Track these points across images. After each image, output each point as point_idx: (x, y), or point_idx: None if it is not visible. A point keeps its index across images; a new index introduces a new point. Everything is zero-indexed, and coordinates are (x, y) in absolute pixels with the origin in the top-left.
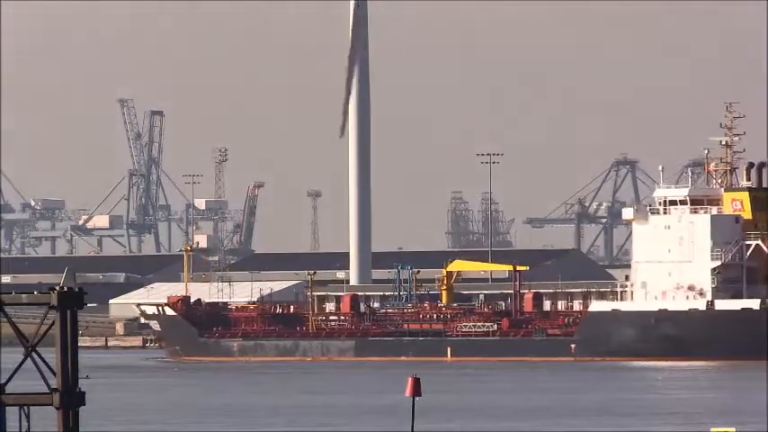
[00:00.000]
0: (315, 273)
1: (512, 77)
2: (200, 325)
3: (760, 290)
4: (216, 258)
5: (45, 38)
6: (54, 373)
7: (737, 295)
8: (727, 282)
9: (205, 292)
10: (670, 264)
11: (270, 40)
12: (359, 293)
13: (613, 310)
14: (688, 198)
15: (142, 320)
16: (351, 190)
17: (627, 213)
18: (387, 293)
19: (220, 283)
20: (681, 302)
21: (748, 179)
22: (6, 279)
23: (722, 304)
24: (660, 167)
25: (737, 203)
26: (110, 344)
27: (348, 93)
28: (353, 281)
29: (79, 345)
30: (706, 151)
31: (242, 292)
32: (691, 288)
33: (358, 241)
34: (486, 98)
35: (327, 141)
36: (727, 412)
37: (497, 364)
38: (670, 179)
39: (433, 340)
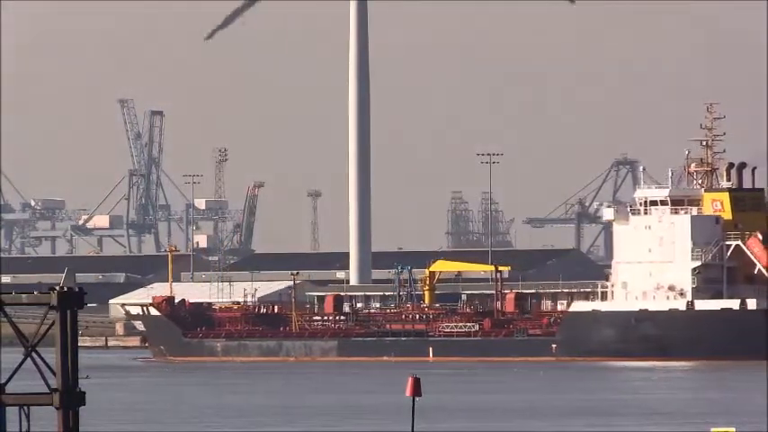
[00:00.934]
0: (298, 273)
1: (512, 77)
2: (185, 325)
3: (740, 290)
4: (216, 258)
5: (45, 38)
6: (54, 373)
7: (718, 295)
8: (707, 282)
9: (205, 292)
10: (650, 264)
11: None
12: (357, 293)
13: (594, 310)
14: (668, 198)
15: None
16: (351, 190)
17: (608, 214)
18: (387, 293)
19: (220, 284)
20: (661, 303)
21: (728, 180)
22: (6, 279)
23: (702, 304)
24: (641, 168)
25: (718, 204)
26: (110, 344)
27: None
28: (353, 281)
29: (79, 345)
30: (687, 152)
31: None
32: (671, 288)
33: (358, 241)
34: (487, 98)
35: (327, 141)
36: (731, 412)
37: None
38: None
39: (415, 340)
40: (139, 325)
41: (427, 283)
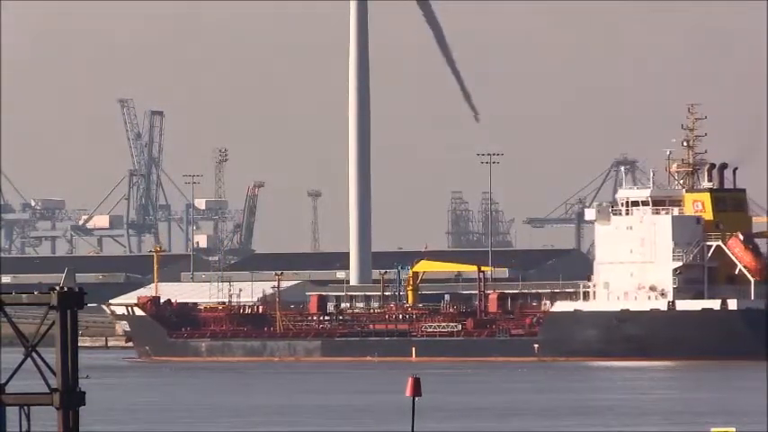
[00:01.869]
0: (282, 273)
1: (512, 77)
2: (170, 325)
3: (721, 290)
4: (216, 258)
5: (45, 38)
6: (54, 373)
7: (699, 296)
8: (688, 282)
9: (205, 292)
10: (632, 264)
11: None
12: (357, 294)
13: (575, 310)
14: (650, 199)
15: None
16: (351, 190)
17: (589, 214)
18: (387, 293)
19: (220, 283)
20: (642, 303)
21: (710, 180)
22: (6, 279)
23: (683, 305)
24: (623, 168)
25: (699, 204)
26: (110, 344)
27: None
28: (353, 281)
29: (79, 345)
30: (668, 152)
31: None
32: (652, 288)
33: (358, 241)
34: (486, 98)
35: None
36: (726, 412)
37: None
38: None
39: (398, 340)
40: (125, 325)
41: (410, 283)
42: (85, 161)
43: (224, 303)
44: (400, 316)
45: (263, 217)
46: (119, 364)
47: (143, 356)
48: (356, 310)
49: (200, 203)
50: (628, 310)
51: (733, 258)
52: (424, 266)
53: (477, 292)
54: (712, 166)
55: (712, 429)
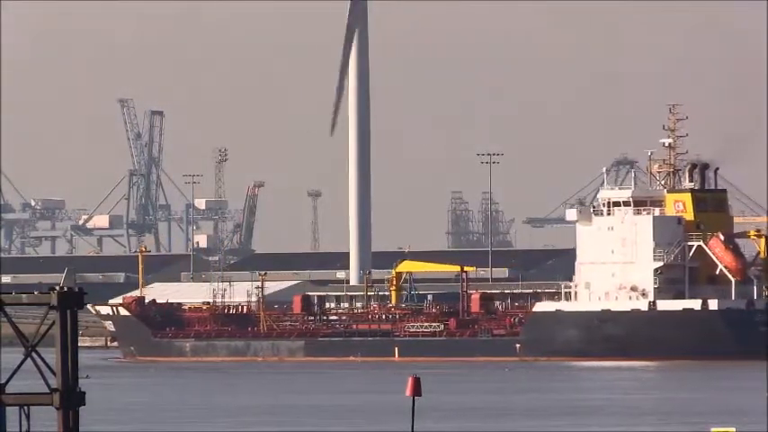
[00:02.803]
0: (266, 273)
1: (512, 77)
2: (154, 325)
3: (702, 290)
4: (216, 258)
5: (45, 38)
6: (54, 373)
7: (680, 296)
8: (669, 282)
9: (204, 292)
10: (613, 264)
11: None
12: (357, 293)
13: (557, 310)
14: (631, 199)
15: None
16: (351, 190)
17: (571, 215)
18: (386, 293)
19: (220, 283)
20: (624, 303)
21: (691, 180)
22: (6, 279)
23: (664, 305)
24: (604, 169)
25: (680, 205)
26: (110, 344)
27: (340, 90)
28: (353, 281)
29: (79, 345)
30: (649, 153)
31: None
32: (633, 288)
33: (358, 241)
34: (487, 98)
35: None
36: (723, 412)
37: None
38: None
39: (380, 340)
40: (110, 325)
41: (393, 283)
42: (85, 161)
43: (208, 303)
44: (383, 316)
45: (263, 217)
46: (103, 364)
47: (127, 356)
48: (340, 310)
49: (201, 203)
50: (609, 310)
51: (714, 258)
52: (406, 267)
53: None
54: (693, 166)
55: (712, 429)
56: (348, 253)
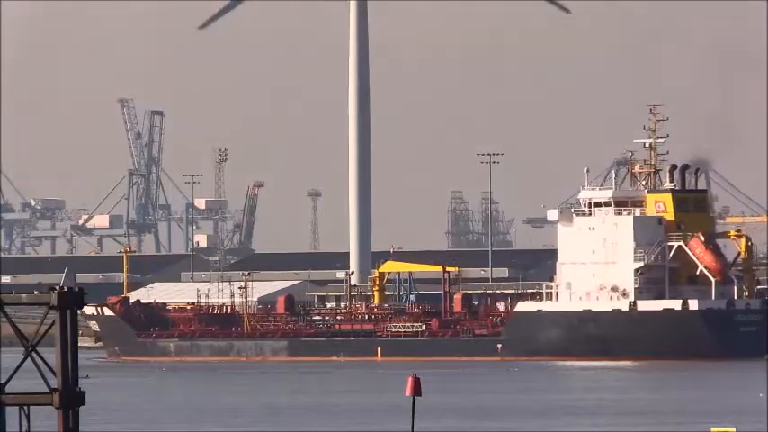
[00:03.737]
0: (249, 273)
1: (512, 77)
2: (138, 325)
3: (682, 291)
4: (216, 258)
5: (45, 37)
6: (54, 373)
7: (660, 296)
8: (649, 282)
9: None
10: (594, 265)
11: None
12: (354, 293)
13: (538, 310)
14: (612, 200)
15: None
16: (351, 190)
17: (551, 215)
18: (386, 293)
19: (220, 283)
20: (604, 303)
21: (671, 181)
22: (6, 279)
23: (645, 305)
24: (585, 169)
25: (660, 205)
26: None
27: None
28: (354, 281)
29: (79, 345)
30: (630, 153)
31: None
32: (614, 289)
33: (358, 241)
34: (487, 98)
35: (327, 141)
36: (712, 412)
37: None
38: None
39: (363, 340)
40: (94, 325)
41: (376, 283)
42: (85, 161)
43: (192, 303)
44: (366, 316)
45: (263, 217)
46: (88, 363)
47: (112, 356)
48: (323, 310)
49: (200, 203)
50: (590, 310)
51: (694, 259)
52: (389, 267)
53: (477, 292)
54: (674, 167)
55: (712, 429)
56: (348, 253)
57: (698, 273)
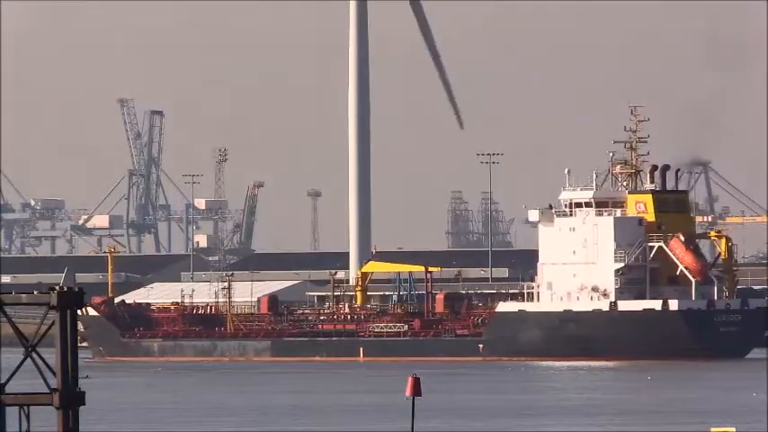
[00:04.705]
0: (233, 274)
1: (512, 77)
2: (122, 325)
3: (663, 291)
4: (216, 258)
5: (45, 38)
6: (54, 373)
7: (640, 296)
8: (630, 283)
9: (204, 292)
10: (574, 265)
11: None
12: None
13: (520, 310)
14: (593, 200)
15: None
16: (351, 190)
17: (533, 215)
18: (387, 293)
19: (220, 283)
20: (585, 303)
21: (652, 182)
22: (6, 279)
23: (625, 305)
24: (566, 170)
25: (641, 206)
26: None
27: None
28: (353, 281)
29: (79, 345)
30: (611, 154)
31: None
32: (595, 289)
33: (358, 241)
34: (486, 98)
35: (327, 141)
36: (704, 411)
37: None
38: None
39: (345, 340)
40: (79, 325)
41: (359, 283)
42: (85, 161)
43: (176, 303)
44: (348, 316)
45: (263, 217)
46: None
47: (96, 356)
48: (306, 311)
49: (200, 203)
50: (570, 310)
51: (674, 259)
52: (371, 267)
53: (476, 291)
54: (654, 168)
55: (712, 429)
56: (348, 253)
57: (678, 273)
